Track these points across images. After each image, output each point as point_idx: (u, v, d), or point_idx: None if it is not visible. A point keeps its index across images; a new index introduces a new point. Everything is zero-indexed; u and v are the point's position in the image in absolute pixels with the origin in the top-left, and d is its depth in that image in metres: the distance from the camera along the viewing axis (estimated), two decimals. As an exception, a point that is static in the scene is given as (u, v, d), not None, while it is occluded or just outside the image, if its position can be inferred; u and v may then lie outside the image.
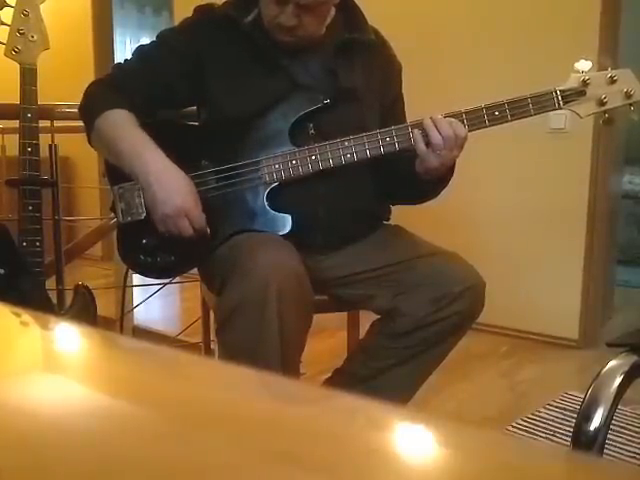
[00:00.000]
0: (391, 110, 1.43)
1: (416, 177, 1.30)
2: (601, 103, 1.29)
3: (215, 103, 1.34)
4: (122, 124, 1.30)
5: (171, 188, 1.24)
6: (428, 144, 1.24)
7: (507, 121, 1.28)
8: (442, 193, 1.40)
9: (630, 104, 1.29)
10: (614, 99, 1.29)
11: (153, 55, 1.38)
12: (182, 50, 1.35)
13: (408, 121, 1.33)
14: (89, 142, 1.38)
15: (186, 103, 1.45)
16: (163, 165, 1.25)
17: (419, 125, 1.26)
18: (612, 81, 1.28)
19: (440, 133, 1.23)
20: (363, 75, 1.39)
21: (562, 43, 2.53)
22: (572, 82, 1.29)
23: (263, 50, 1.32)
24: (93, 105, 1.34)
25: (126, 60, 1.40)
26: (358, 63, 1.38)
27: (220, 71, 1.33)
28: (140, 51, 1.40)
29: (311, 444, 0.29)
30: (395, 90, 1.48)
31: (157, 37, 1.40)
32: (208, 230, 1.29)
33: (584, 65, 1.28)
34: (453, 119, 1.25)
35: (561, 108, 1.29)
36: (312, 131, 1.32)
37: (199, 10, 1.38)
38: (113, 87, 1.35)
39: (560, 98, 1.28)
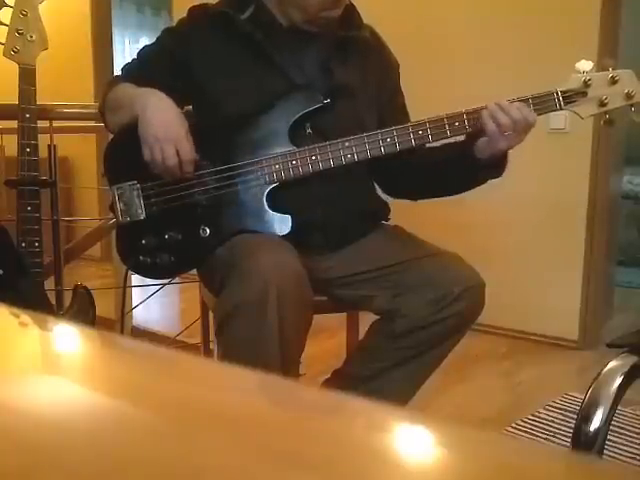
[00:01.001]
0: (389, 107, 1.43)
1: (473, 162, 1.29)
2: (602, 104, 1.27)
3: (212, 103, 1.34)
4: (125, 86, 1.36)
5: (167, 117, 1.26)
6: (497, 125, 1.23)
7: None
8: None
9: (631, 105, 1.28)
10: (615, 100, 1.27)
11: (148, 58, 1.42)
12: (172, 52, 1.37)
13: (410, 118, 1.33)
14: (106, 126, 1.44)
15: (183, 102, 1.46)
16: (161, 99, 1.27)
17: (477, 112, 1.25)
18: (613, 82, 1.27)
19: (509, 116, 1.22)
20: (359, 73, 1.39)
21: (561, 44, 2.53)
22: (573, 83, 1.27)
23: (259, 48, 1.33)
24: (103, 94, 1.42)
25: (130, 62, 1.45)
26: (354, 61, 1.39)
27: (215, 71, 1.34)
28: (139, 53, 1.45)
29: (310, 445, 0.29)
30: (392, 87, 1.47)
31: (157, 38, 1.43)
32: (192, 168, 1.28)
33: (585, 65, 1.26)
34: (522, 103, 1.24)
35: (562, 109, 1.28)
36: (309, 130, 1.32)
37: (193, 10, 1.39)
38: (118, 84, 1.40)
39: (561, 99, 1.27)
